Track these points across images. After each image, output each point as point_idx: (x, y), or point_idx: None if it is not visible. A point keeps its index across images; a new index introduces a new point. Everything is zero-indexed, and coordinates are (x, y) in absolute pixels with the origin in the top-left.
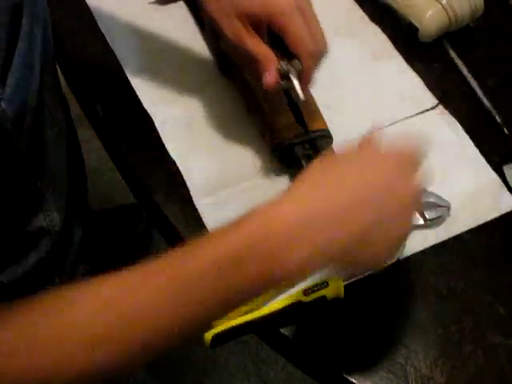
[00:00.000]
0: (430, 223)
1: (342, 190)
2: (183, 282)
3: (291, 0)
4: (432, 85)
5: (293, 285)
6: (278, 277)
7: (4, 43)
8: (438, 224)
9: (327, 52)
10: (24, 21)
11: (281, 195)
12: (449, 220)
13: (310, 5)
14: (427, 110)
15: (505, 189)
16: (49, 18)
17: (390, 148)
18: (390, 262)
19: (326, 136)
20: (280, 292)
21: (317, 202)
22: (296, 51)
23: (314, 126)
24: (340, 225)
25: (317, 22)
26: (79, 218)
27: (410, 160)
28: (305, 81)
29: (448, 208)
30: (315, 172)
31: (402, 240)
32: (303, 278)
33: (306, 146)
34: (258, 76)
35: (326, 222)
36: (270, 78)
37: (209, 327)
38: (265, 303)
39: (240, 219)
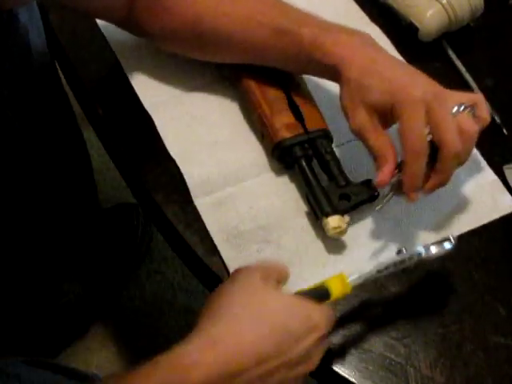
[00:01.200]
0: None
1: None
2: None
3: (421, 94)
4: None
5: None
6: None
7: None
8: None
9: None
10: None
11: (191, 337)
12: (449, 220)
13: (443, 108)
14: None
15: (505, 189)
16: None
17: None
18: None
19: (326, 136)
20: None
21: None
22: (402, 144)
23: (314, 125)
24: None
25: (445, 123)
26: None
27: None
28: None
29: None
30: (214, 304)
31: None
32: None
33: (306, 145)
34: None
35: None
36: (382, 176)
37: None
38: None
39: (154, 363)
